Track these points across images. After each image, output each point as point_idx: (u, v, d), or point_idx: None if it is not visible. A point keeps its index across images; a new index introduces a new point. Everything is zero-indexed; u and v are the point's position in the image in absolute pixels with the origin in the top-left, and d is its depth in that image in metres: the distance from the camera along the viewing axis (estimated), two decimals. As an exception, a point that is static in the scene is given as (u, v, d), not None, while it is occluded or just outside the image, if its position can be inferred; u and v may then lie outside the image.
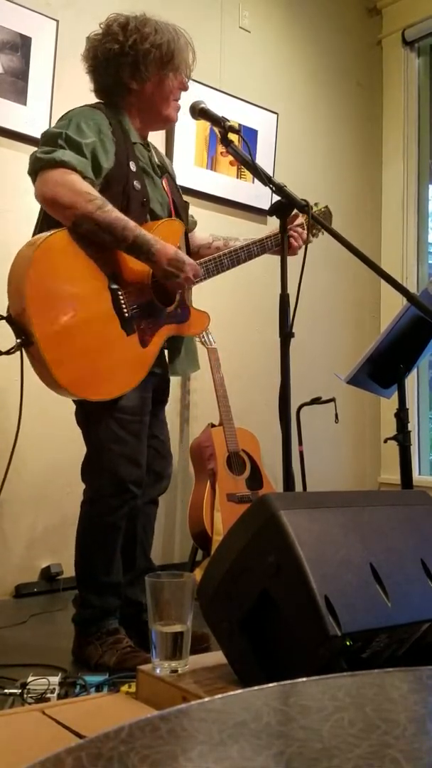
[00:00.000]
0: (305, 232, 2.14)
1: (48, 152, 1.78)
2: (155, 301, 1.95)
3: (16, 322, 1.74)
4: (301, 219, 2.16)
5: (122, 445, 1.93)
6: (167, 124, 2.17)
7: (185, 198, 2.28)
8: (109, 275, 1.85)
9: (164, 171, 2.12)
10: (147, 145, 2.11)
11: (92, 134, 1.85)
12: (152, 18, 2.02)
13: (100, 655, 1.95)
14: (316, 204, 2.24)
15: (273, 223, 2.04)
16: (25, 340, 1.73)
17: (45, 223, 1.89)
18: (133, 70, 1.98)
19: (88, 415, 1.97)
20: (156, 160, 2.11)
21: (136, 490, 1.97)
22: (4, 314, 1.78)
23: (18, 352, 1.75)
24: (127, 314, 1.87)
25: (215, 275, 2.07)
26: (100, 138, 1.86)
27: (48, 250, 1.76)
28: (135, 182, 1.93)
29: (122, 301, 1.87)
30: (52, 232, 1.78)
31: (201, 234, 2.30)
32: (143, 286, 1.93)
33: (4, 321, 1.78)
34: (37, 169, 1.80)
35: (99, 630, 1.99)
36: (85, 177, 1.79)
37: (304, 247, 2.05)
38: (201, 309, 2.11)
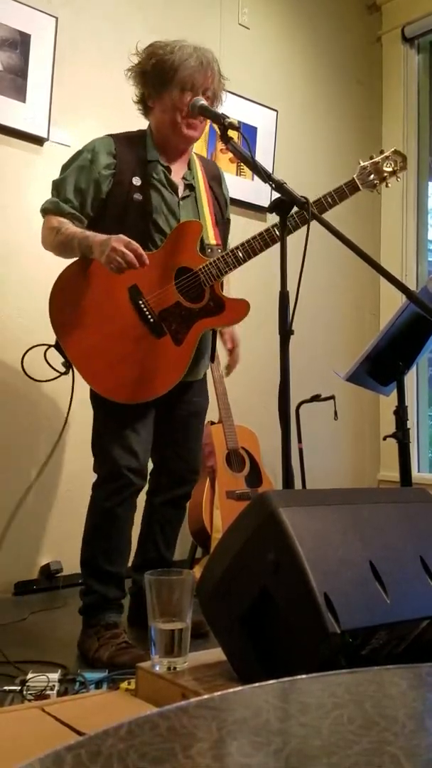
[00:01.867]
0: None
1: (44, 204, 2.09)
2: (182, 302, 2.07)
3: (58, 348, 2.05)
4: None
5: (121, 436, 2.05)
6: (183, 139, 2.14)
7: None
8: (129, 288, 2.02)
9: (192, 188, 2.18)
10: (175, 162, 2.16)
11: (78, 162, 2.07)
12: (183, 42, 2.09)
13: (96, 648, 1.99)
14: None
15: (272, 220, 2.04)
16: (66, 362, 2.04)
17: None
18: (149, 89, 2.12)
19: (96, 398, 2.10)
20: (186, 177, 2.17)
21: (133, 478, 2.06)
22: (52, 342, 2.07)
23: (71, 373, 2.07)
24: (152, 320, 2.03)
25: (234, 268, 2.07)
26: (89, 164, 2.05)
27: (62, 284, 2.04)
28: (135, 195, 2.06)
29: (144, 310, 2.03)
30: (66, 267, 2.06)
31: None
32: (166, 291, 2.06)
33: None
34: None
35: (99, 622, 2.04)
36: (63, 214, 2.04)
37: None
38: (238, 297, 2.14)
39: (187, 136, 2.12)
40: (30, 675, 1.70)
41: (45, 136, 2.87)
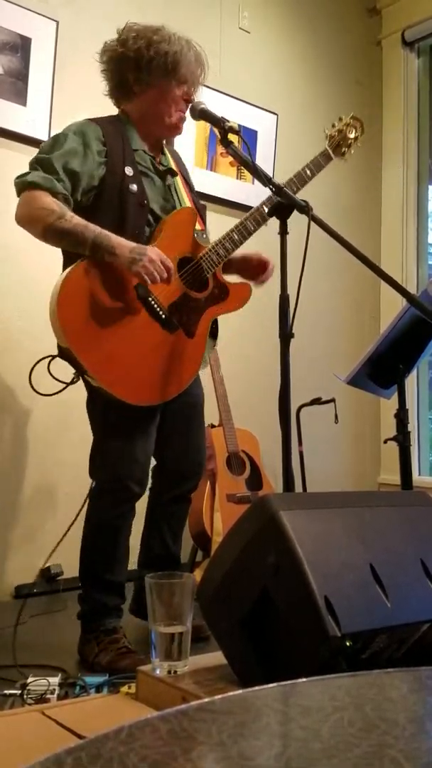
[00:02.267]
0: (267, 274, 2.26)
1: (21, 176, 1.90)
2: (189, 293, 2.04)
3: (68, 356, 1.89)
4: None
5: (125, 442, 1.98)
6: (171, 133, 2.15)
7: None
8: (136, 287, 1.92)
9: (174, 174, 2.14)
10: (155, 151, 2.13)
11: (69, 144, 1.92)
12: (168, 30, 2.06)
13: (96, 653, 1.98)
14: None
15: (272, 224, 2.04)
16: (80, 371, 1.90)
17: (64, 254, 2.00)
18: (137, 74, 2.04)
19: (95, 405, 2.02)
20: (164, 164, 2.14)
21: (135, 488, 2.01)
22: (55, 353, 1.93)
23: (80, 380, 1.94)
24: (163, 316, 1.96)
25: (232, 251, 2.11)
26: (83, 148, 1.93)
27: (69, 289, 1.87)
28: (131, 185, 1.98)
29: (155, 306, 1.95)
30: (68, 271, 1.89)
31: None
32: (172, 284, 1.99)
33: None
34: (17, 194, 1.91)
35: (98, 628, 2.03)
36: (55, 193, 1.87)
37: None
38: (240, 282, 2.17)
39: (178, 129, 2.12)
40: (30, 679, 1.70)
41: (46, 139, 2.87)
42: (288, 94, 3.89)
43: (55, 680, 1.69)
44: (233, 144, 1.88)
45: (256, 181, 1.91)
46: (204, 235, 2.14)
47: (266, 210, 2.06)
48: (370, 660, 1.15)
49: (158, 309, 1.95)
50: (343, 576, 1.14)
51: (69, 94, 2.95)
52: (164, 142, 2.20)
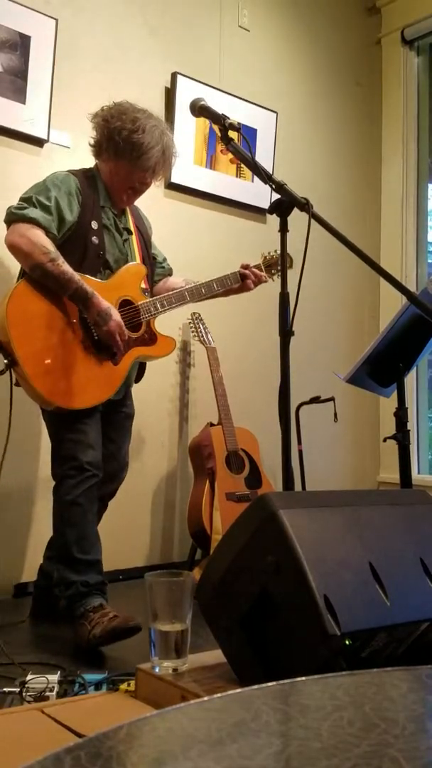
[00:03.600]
0: (263, 274, 2.52)
1: (21, 208, 2.15)
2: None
3: (4, 348, 2.10)
4: (257, 263, 2.54)
5: (78, 433, 2.19)
6: (121, 204, 2.40)
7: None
8: (79, 308, 2.19)
9: (130, 233, 2.43)
10: (117, 209, 2.40)
11: (58, 194, 2.20)
12: (148, 120, 2.28)
13: (89, 630, 2.04)
14: (269, 253, 2.57)
15: (272, 221, 2.04)
16: (11, 361, 2.09)
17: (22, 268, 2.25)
18: (108, 148, 2.30)
19: (51, 413, 2.25)
20: (123, 223, 2.41)
21: (92, 470, 2.19)
22: None
23: (8, 374, 2.12)
24: (97, 338, 2.20)
25: (176, 307, 2.39)
26: (68, 198, 2.22)
27: (20, 292, 2.13)
28: (93, 237, 2.27)
29: (92, 328, 2.19)
30: (20, 281, 2.16)
31: (175, 279, 2.62)
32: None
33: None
34: (10, 221, 2.16)
35: (85, 609, 2.10)
36: (48, 233, 2.14)
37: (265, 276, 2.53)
38: (167, 335, 2.41)
39: (126, 203, 2.41)
40: (29, 676, 1.69)
41: (45, 137, 2.87)
42: (288, 92, 3.88)
43: (54, 678, 1.69)
44: (233, 141, 1.89)
45: (255, 179, 1.93)
46: (146, 293, 2.41)
47: (203, 290, 2.44)
48: (369, 659, 1.15)
49: (94, 331, 2.20)
50: (343, 575, 1.14)
51: (68, 92, 2.94)
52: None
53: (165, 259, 2.64)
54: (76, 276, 2.13)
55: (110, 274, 2.30)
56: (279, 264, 2.41)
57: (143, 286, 2.40)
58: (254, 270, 2.51)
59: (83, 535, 2.16)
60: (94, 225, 2.28)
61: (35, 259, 2.10)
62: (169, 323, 2.40)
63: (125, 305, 2.30)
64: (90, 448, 2.20)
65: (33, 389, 2.10)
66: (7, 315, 2.09)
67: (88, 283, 2.17)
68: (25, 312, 2.11)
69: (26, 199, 2.17)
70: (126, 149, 2.26)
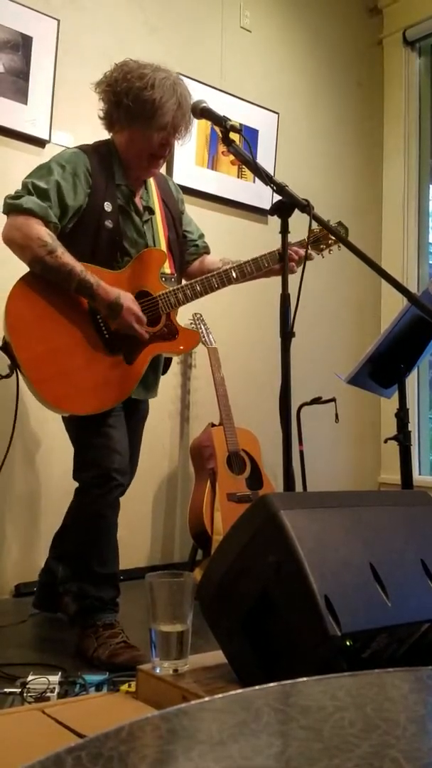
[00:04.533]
0: (301, 250, 2.24)
1: (15, 198, 1.99)
2: None
3: (7, 350, 1.99)
4: (300, 240, 2.26)
5: (104, 437, 2.07)
6: (145, 174, 2.20)
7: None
8: (89, 303, 2.04)
9: (153, 212, 2.22)
10: (137, 185, 2.20)
11: (61, 176, 2.02)
12: (157, 72, 2.06)
13: (95, 648, 2.01)
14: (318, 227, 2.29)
15: (274, 223, 2.04)
16: (14, 364, 1.98)
17: None
18: (119, 116, 2.11)
19: (72, 416, 2.12)
20: (145, 201, 2.22)
21: (119, 478, 2.08)
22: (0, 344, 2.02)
23: (15, 377, 2.03)
24: (107, 336, 2.06)
25: (203, 296, 2.19)
26: (73, 179, 2.03)
27: (19, 292, 1.99)
28: (107, 221, 2.08)
29: (101, 324, 2.05)
30: (28, 272, 2.01)
31: (212, 258, 2.42)
32: None
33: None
34: (6, 212, 2.01)
35: (96, 623, 2.06)
36: (48, 222, 1.98)
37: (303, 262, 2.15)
38: (190, 328, 2.26)
39: (150, 172, 2.20)
40: (30, 677, 1.69)
41: (47, 138, 2.87)
42: (289, 93, 3.88)
43: (55, 679, 1.69)
44: (234, 143, 1.89)
45: (257, 180, 1.93)
46: (172, 279, 2.21)
47: (234, 274, 2.21)
48: (370, 659, 1.15)
49: (104, 328, 2.06)
50: (344, 575, 1.14)
51: (70, 92, 2.94)
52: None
53: (202, 236, 2.42)
54: (78, 266, 1.97)
55: (129, 261, 2.11)
56: (328, 237, 2.24)
57: (167, 271, 2.19)
58: (294, 248, 2.23)
59: (104, 548, 2.10)
60: (108, 207, 2.07)
61: (33, 253, 1.94)
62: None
63: (141, 297, 2.10)
64: (116, 453, 2.07)
65: (38, 395, 1.99)
66: (7, 318, 1.97)
67: (100, 275, 2.01)
68: (25, 313, 1.98)
69: (24, 185, 2.02)
70: (138, 110, 2.04)
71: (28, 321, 1.98)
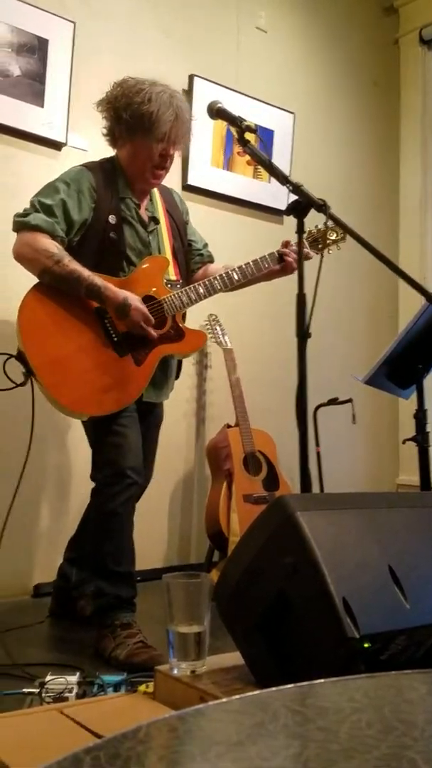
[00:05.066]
0: (307, 251, 2.28)
1: (23, 216, 2.10)
2: None
3: (22, 358, 2.07)
4: (293, 242, 2.30)
5: (117, 437, 2.13)
6: (148, 185, 2.29)
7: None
8: (96, 308, 2.12)
9: (158, 221, 2.31)
10: (142, 197, 2.29)
11: (66, 193, 2.12)
12: (153, 87, 2.15)
13: (113, 648, 2.02)
14: (316, 227, 2.35)
15: (289, 223, 2.04)
16: (28, 371, 2.06)
17: None
18: (120, 131, 2.21)
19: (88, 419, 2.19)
20: (150, 212, 2.30)
21: (134, 476, 2.13)
22: (14, 353, 2.09)
23: (30, 384, 2.09)
24: (116, 339, 2.13)
25: (206, 298, 2.26)
26: (77, 195, 2.14)
27: (31, 301, 2.08)
28: (111, 233, 2.18)
29: (110, 328, 2.12)
30: (29, 290, 2.10)
31: (215, 266, 2.48)
32: None
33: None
34: (16, 230, 2.11)
35: (114, 622, 2.07)
36: (55, 236, 2.08)
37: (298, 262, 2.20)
38: (196, 329, 2.30)
39: (153, 184, 2.28)
40: (49, 677, 1.70)
41: (63, 140, 2.89)
42: (305, 93, 3.88)
43: (73, 679, 1.70)
44: (250, 143, 1.89)
45: (272, 180, 1.93)
46: (178, 285, 2.28)
47: (235, 276, 2.27)
48: (388, 662, 1.14)
49: (112, 331, 2.12)
50: (361, 577, 1.13)
51: (86, 95, 2.95)
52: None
53: (206, 245, 2.52)
54: (86, 272, 2.06)
55: (132, 269, 2.21)
56: (326, 238, 2.30)
57: (172, 278, 2.28)
58: (293, 248, 2.30)
59: (120, 547, 2.12)
60: (112, 219, 2.18)
61: (41, 265, 2.05)
62: (186, 324, 2.39)
63: (147, 301, 2.18)
64: (130, 451, 2.14)
65: (52, 399, 2.07)
66: (20, 325, 2.05)
67: (109, 282, 2.09)
68: (37, 321, 2.07)
69: (31, 204, 2.13)
70: (137, 124, 2.14)
71: (39, 329, 2.07)
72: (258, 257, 2.31)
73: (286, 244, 2.34)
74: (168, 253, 2.29)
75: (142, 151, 2.19)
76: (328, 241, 2.33)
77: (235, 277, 2.27)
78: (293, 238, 1.80)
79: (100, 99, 2.24)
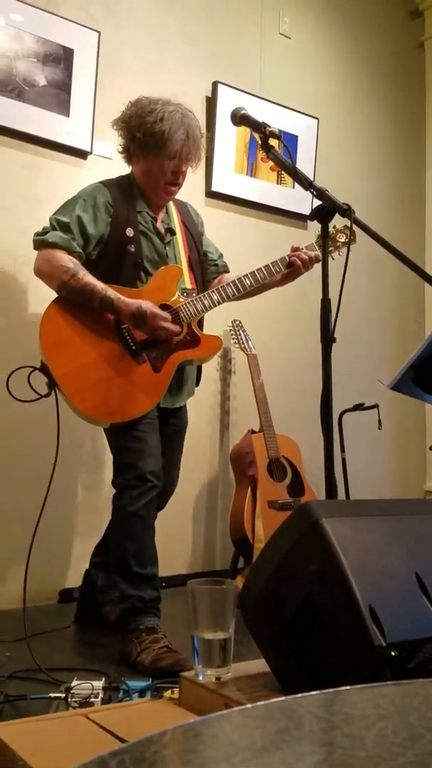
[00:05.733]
0: (315, 253, 2.39)
1: (41, 234, 2.19)
2: None
3: (45, 370, 2.15)
4: (310, 243, 2.41)
5: (138, 441, 2.19)
6: (162, 200, 2.36)
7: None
8: (115, 319, 2.19)
9: (174, 233, 2.38)
10: (157, 210, 2.37)
11: (82, 209, 2.21)
12: (169, 105, 2.24)
13: (138, 652, 2.02)
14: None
15: (314, 228, 2.04)
16: (51, 381, 2.14)
17: None
18: (134, 149, 2.30)
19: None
20: (166, 224, 2.38)
21: (154, 480, 2.17)
22: (38, 365, 2.18)
23: (53, 395, 2.16)
24: (134, 347, 2.20)
25: (219, 304, 2.32)
26: (93, 211, 2.22)
27: (51, 314, 2.17)
28: (129, 246, 2.26)
29: (127, 337, 2.20)
30: (49, 304, 2.19)
31: (230, 276, 2.52)
32: None
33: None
34: (35, 248, 2.20)
35: (139, 626, 2.08)
36: (71, 251, 2.17)
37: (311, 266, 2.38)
38: (212, 334, 2.35)
39: (166, 199, 2.37)
40: (75, 682, 1.71)
41: (88, 149, 2.92)
42: (329, 98, 3.87)
43: (99, 684, 1.71)
44: (274, 149, 1.89)
45: (296, 186, 1.93)
46: (194, 294, 2.34)
47: (247, 282, 2.34)
48: (416, 670, 1.13)
49: (129, 340, 2.20)
50: (388, 585, 1.12)
51: (111, 104, 2.97)
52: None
53: (221, 256, 2.58)
54: (99, 285, 2.13)
55: (149, 280, 2.28)
56: (337, 241, 2.37)
57: (188, 286, 2.35)
58: (304, 251, 2.39)
59: (142, 549, 2.15)
60: (130, 232, 2.26)
61: (58, 279, 2.13)
62: (209, 330, 2.40)
63: (163, 310, 2.24)
64: (150, 456, 2.19)
65: (75, 408, 2.14)
66: (41, 338, 2.14)
67: (124, 293, 2.16)
68: (57, 333, 2.15)
69: (49, 222, 2.21)
70: (150, 142, 2.23)
71: (60, 340, 2.15)
72: (269, 263, 2.37)
73: (295, 249, 2.41)
74: (184, 263, 2.36)
75: (155, 168, 2.27)
76: (338, 243, 2.39)
77: (248, 282, 2.34)
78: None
79: (115, 118, 2.33)
